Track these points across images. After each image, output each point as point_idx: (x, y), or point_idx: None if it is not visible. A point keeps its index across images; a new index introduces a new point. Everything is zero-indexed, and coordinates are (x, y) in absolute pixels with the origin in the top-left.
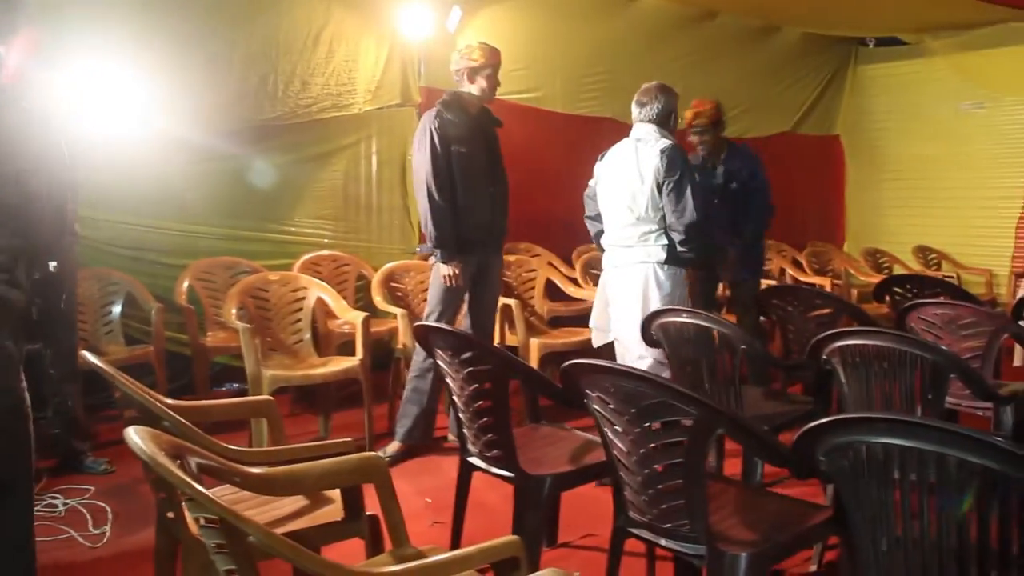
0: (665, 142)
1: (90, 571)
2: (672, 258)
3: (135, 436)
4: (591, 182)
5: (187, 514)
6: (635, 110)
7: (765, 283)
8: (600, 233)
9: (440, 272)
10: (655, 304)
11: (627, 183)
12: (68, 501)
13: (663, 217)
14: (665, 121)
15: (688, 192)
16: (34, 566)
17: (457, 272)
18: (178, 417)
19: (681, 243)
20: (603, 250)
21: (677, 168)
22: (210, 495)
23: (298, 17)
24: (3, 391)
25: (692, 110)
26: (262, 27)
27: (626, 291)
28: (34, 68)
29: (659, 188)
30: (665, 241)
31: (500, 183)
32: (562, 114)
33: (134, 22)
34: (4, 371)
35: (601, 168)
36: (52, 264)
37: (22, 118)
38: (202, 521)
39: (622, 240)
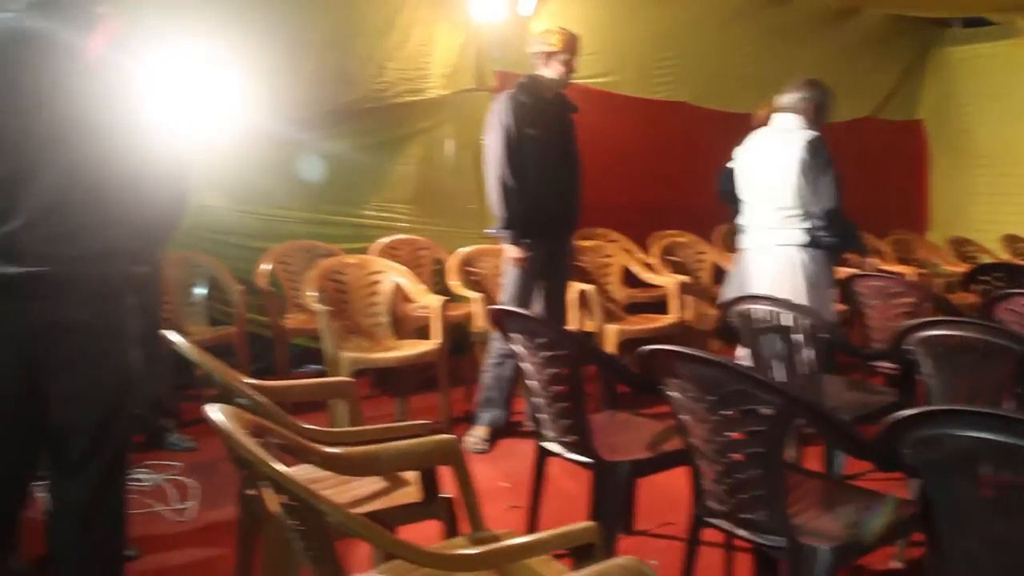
0: (811, 133)
1: (175, 544)
2: (814, 242)
3: (217, 414)
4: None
5: (267, 492)
6: (782, 99)
7: (845, 271)
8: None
9: (508, 254)
10: (800, 285)
11: (770, 170)
12: (155, 476)
13: (805, 204)
14: (811, 112)
15: (829, 181)
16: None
17: (524, 255)
18: (259, 396)
19: (819, 228)
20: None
21: (821, 157)
22: (289, 474)
23: (374, 2)
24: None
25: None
26: (338, 13)
27: (771, 272)
28: (121, 55)
29: (803, 177)
30: (808, 225)
31: (572, 168)
32: (636, 98)
33: (215, 10)
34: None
35: (742, 153)
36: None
37: (130, 107)
38: (281, 500)
39: (764, 222)
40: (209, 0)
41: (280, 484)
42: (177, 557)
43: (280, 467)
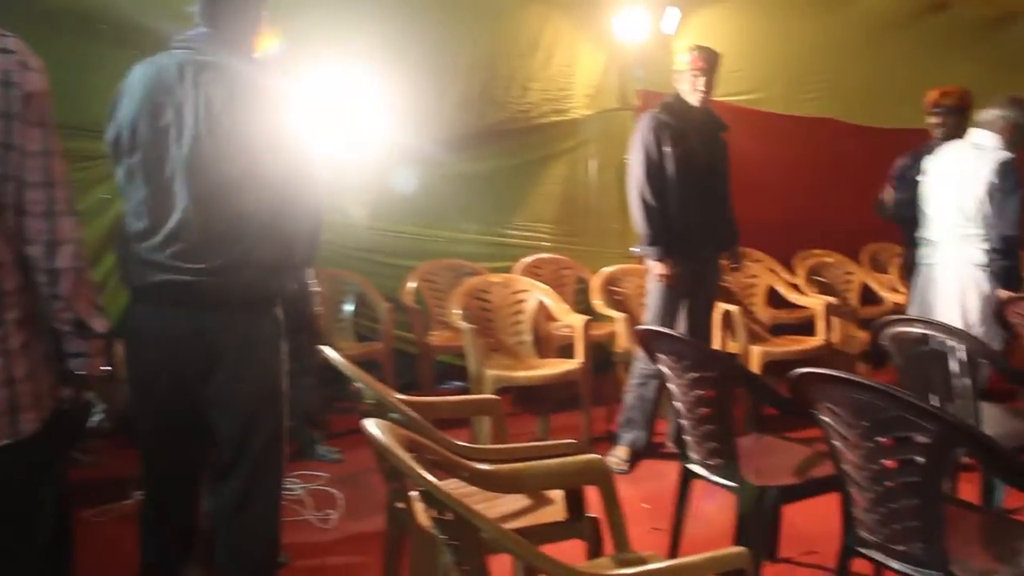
0: (1004, 154)
1: (322, 552)
2: (988, 264)
3: (373, 428)
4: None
5: (416, 505)
6: (981, 115)
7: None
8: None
9: (653, 272)
10: (976, 305)
11: (959, 186)
12: (304, 486)
13: (986, 225)
14: (1008, 132)
15: (1013, 206)
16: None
17: (669, 272)
18: (411, 412)
19: (992, 251)
20: (916, 245)
21: (1010, 181)
22: (444, 489)
23: (518, 24)
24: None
25: (938, 90)
26: (485, 36)
27: (952, 288)
28: (275, 79)
29: (989, 198)
30: (986, 247)
31: (719, 187)
32: (782, 115)
33: (366, 33)
34: (278, 363)
35: (932, 165)
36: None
37: (281, 120)
38: (434, 513)
39: (949, 238)
40: (360, 24)
41: (436, 498)
42: (324, 565)
43: (435, 482)
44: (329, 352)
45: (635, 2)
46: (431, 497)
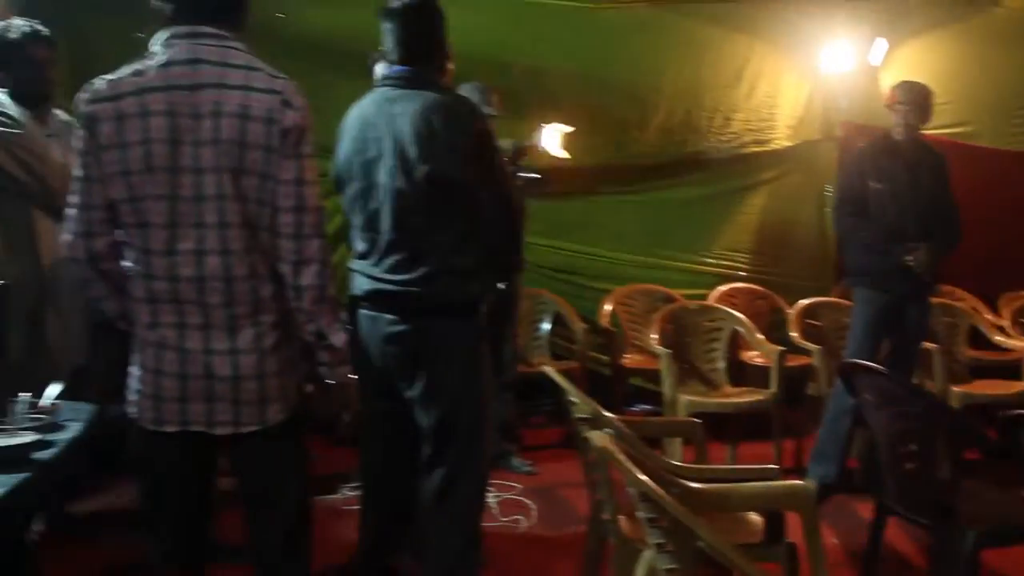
0: None
1: (515, 559)
2: None
3: (602, 439)
4: None
5: (621, 516)
6: None
7: None
8: None
9: (857, 305)
10: None
11: None
12: (498, 495)
13: None
14: None
15: None
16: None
17: (871, 307)
18: (624, 428)
19: None
20: None
21: None
22: (669, 498)
23: (723, 55)
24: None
25: None
26: (689, 64)
27: None
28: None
29: None
30: None
31: (925, 222)
32: (991, 149)
33: (571, 57)
34: (477, 364)
35: None
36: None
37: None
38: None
39: None
40: (564, 48)
41: (653, 505)
42: (515, 569)
43: (660, 491)
44: (548, 369)
45: (842, 33)
46: (650, 504)
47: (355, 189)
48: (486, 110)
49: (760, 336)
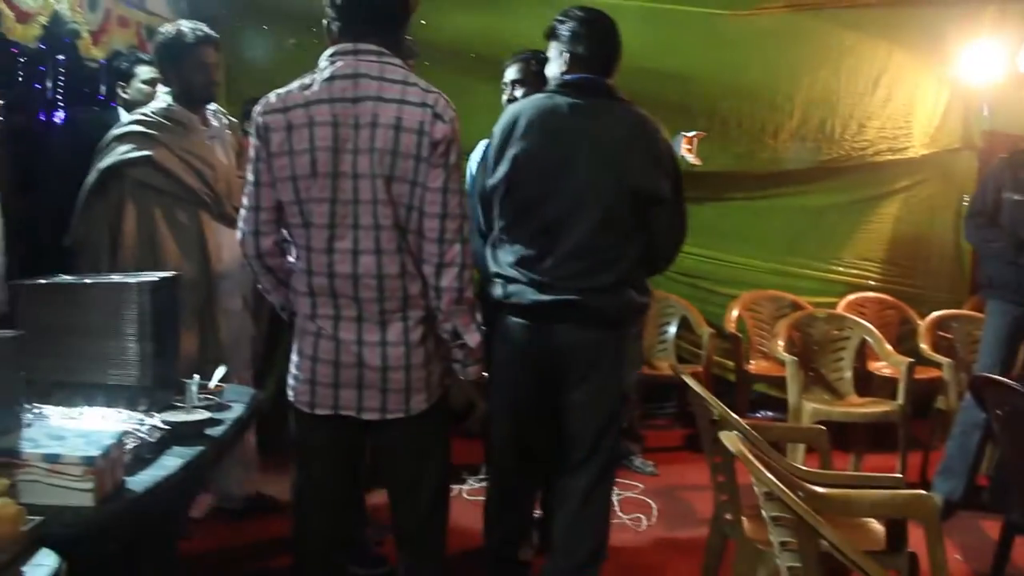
0: None
1: (636, 556)
2: None
3: (733, 440)
4: None
5: (745, 517)
6: None
7: None
8: None
9: (990, 315)
10: None
11: None
12: (620, 493)
13: None
14: None
15: None
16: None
17: (1006, 318)
18: (752, 431)
19: None
20: None
21: None
22: (794, 497)
23: (859, 62)
24: (614, 379)
25: None
26: (825, 71)
27: None
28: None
29: None
30: None
31: None
32: None
33: (706, 61)
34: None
35: None
36: None
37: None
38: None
39: None
40: (696, 53)
41: (778, 504)
42: (636, 564)
43: (786, 490)
44: (680, 371)
45: (986, 38)
46: (776, 503)
47: (527, 194)
48: None
49: (888, 347)
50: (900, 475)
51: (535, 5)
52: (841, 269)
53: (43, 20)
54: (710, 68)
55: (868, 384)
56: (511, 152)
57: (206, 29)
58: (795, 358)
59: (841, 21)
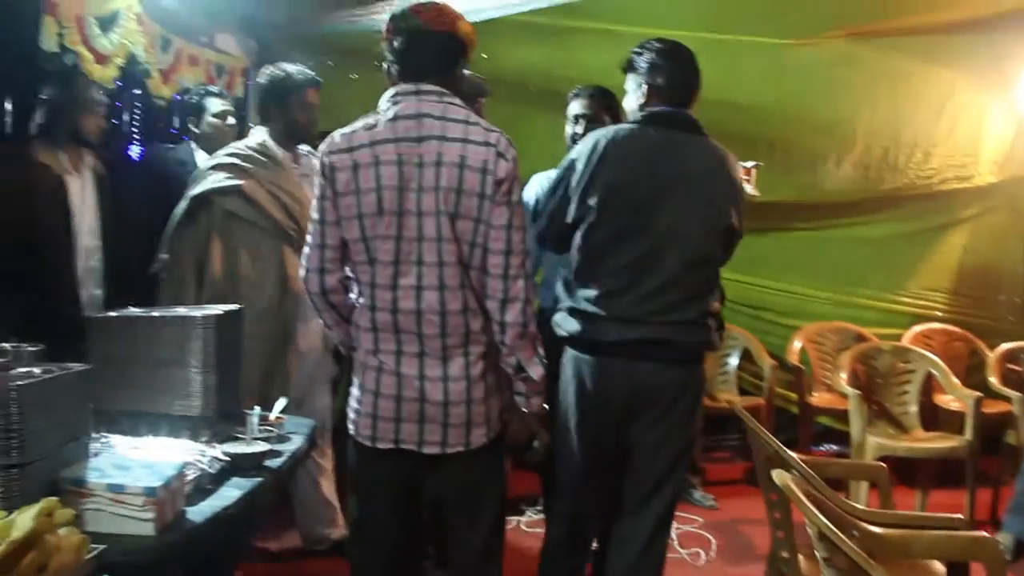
0: None
1: None
2: None
3: (781, 477)
4: None
5: (800, 555)
6: None
7: None
8: None
9: None
10: None
11: None
12: (679, 527)
13: None
14: None
15: None
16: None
17: None
18: (807, 468)
19: None
20: None
21: None
22: (844, 538)
23: (922, 89)
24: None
25: None
26: (887, 99)
27: None
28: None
29: None
30: None
31: None
32: None
33: (765, 90)
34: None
35: None
36: None
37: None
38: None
39: None
40: (764, 87)
41: (832, 545)
42: None
43: (838, 532)
44: (735, 404)
45: None
46: (827, 544)
47: (619, 225)
48: None
49: (955, 380)
50: (961, 516)
51: (595, 38)
52: (907, 300)
53: (119, 62)
54: (771, 98)
55: (935, 418)
56: (602, 180)
57: (310, 72)
58: (858, 391)
59: (903, 49)
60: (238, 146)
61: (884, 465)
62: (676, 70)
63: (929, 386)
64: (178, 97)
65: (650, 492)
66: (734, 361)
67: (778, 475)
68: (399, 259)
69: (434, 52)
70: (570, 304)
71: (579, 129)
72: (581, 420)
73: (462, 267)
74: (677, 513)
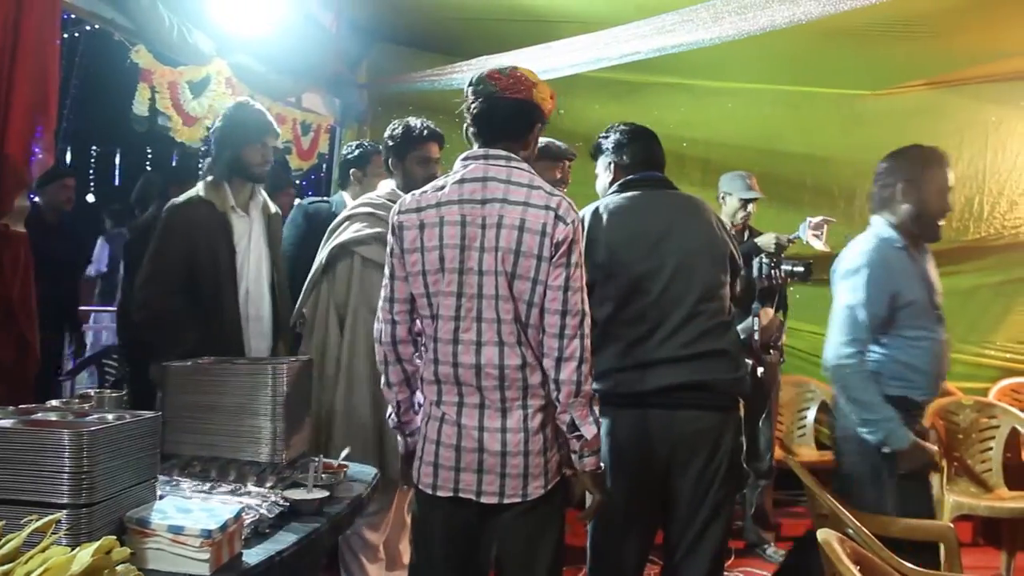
0: None
1: None
2: None
3: (824, 535)
4: None
5: None
6: None
7: None
8: None
9: None
10: None
11: None
12: None
13: None
14: None
15: None
16: None
17: None
18: (863, 528)
19: None
20: None
21: None
22: None
23: (1007, 137)
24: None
25: None
26: (970, 149)
27: None
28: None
29: None
30: None
31: None
32: None
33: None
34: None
35: None
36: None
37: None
38: None
39: None
40: (844, 138)
41: None
42: None
43: None
44: (792, 460)
45: None
46: None
47: (637, 273)
48: (749, 193)
49: None
50: None
51: (670, 92)
52: (993, 353)
53: (208, 123)
54: (849, 149)
55: (1022, 477)
56: (604, 240)
57: (433, 126)
58: (936, 447)
59: (984, 96)
60: (371, 196)
61: (951, 525)
62: (639, 145)
63: (1017, 443)
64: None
65: (692, 542)
66: (811, 415)
67: (822, 533)
68: (460, 315)
69: (508, 117)
70: (600, 368)
71: None
72: (625, 472)
73: (519, 324)
74: (749, 569)
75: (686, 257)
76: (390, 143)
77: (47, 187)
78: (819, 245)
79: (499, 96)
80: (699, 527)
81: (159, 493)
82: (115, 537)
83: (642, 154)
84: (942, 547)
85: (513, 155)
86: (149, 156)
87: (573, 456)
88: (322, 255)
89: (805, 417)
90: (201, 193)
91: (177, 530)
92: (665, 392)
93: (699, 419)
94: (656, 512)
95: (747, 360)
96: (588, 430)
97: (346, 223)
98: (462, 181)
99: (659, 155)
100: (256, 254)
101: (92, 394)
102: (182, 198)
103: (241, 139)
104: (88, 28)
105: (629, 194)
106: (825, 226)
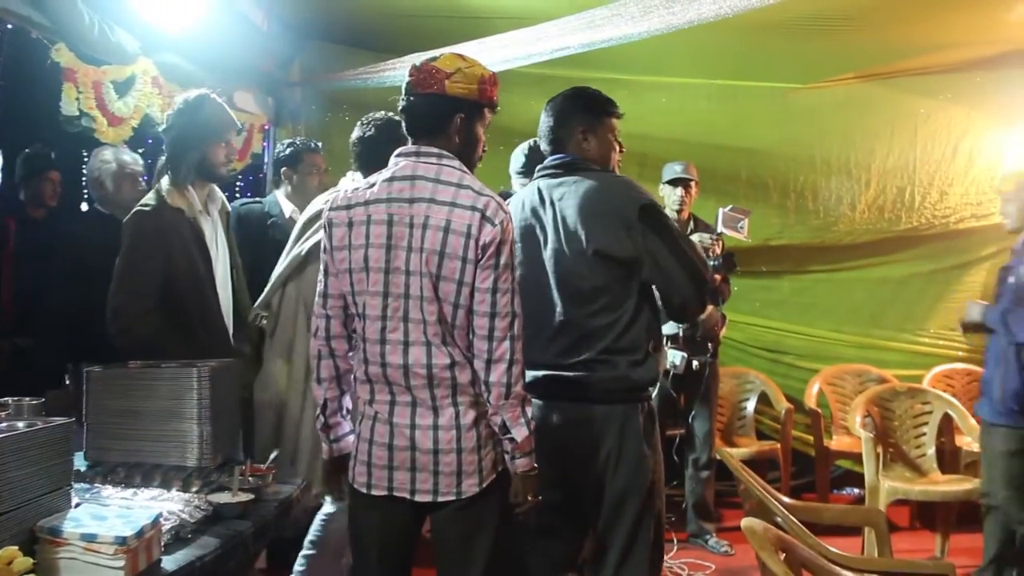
0: None
1: None
2: None
3: (748, 524)
4: None
5: None
6: None
7: None
8: None
9: None
10: None
11: None
12: (691, 574)
13: None
14: None
15: None
16: None
17: None
18: (790, 516)
19: None
20: None
21: None
22: None
23: (936, 128)
24: (637, 462)
25: None
26: (901, 139)
27: None
28: None
29: None
30: None
31: None
32: None
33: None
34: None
35: None
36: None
37: None
38: None
39: None
40: (777, 130)
41: None
42: None
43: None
44: (724, 451)
45: None
46: None
47: (519, 275)
48: (670, 174)
49: (973, 421)
50: (950, 562)
51: (606, 88)
52: (927, 341)
53: (134, 123)
54: (783, 142)
55: (956, 461)
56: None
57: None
58: (870, 434)
59: (915, 89)
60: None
61: (879, 510)
62: (547, 124)
63: (950, 428)
64: None
65: (601, 544)
66: (751, 405)
67: (746, 523)
68: (387, 314)
69: (421, 114)
70: None
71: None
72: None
73: (444, 326)
74: (691, 560)
75: (556, 260)
76: (367, 137)
77: (31, 180)
78: (741, 237)
79: (413, 91)
80: (603, 530)
81: (76, 501)
82: (17, 547)
83: (549, 132)
84: (869, 531)
85: (445, 152)
86: (85, 158)
87: (506, 457)
88: (297, 251)
89: (745, 408)
90: (166, 198)
91: (90, 538)
92: (546, 382)
93: (575, 411)
94: (566, 514)
95: (681, 352)
96: (519, 432)
97: (309, 224)
98: (392, 179)
99: (556, 131)
100: (223, 257)
101: (10, 402)
102: (146, 205)
103: (206, 138)
104: (9, 26)
105: (535, 183)
106: (744, 219)
